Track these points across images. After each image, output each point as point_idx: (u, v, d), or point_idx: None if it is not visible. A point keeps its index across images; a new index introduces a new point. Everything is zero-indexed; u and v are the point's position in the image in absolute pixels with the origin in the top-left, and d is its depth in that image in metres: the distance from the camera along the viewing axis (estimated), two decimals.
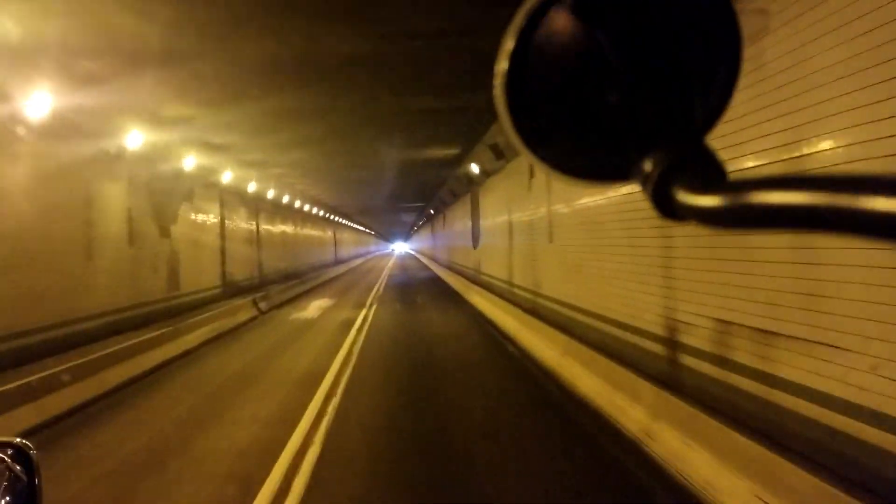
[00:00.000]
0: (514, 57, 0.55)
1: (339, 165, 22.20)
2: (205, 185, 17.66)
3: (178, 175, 15.35)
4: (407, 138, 16.53)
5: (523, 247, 14.24)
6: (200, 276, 17.10)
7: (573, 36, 0.55)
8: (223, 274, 19.08)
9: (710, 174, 0.48)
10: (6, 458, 1.41)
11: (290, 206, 30.41)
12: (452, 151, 18.40)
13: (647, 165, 0.51)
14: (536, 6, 0.54)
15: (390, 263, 55.88)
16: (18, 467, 1.40)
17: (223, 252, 19.09)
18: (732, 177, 0.45)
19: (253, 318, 17.66)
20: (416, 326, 15.56)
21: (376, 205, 42.86)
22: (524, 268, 14.16)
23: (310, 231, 40.54)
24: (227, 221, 19.78)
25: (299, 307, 20.63)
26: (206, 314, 14.78)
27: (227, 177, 18.35)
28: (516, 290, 15.18)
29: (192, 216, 16.63)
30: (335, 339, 13.48)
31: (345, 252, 59.09)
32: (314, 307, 20.56)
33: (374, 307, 19.73)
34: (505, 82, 0.56)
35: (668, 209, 0.48)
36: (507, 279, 16.28)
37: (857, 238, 0.33)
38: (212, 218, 18.60)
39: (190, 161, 15.35)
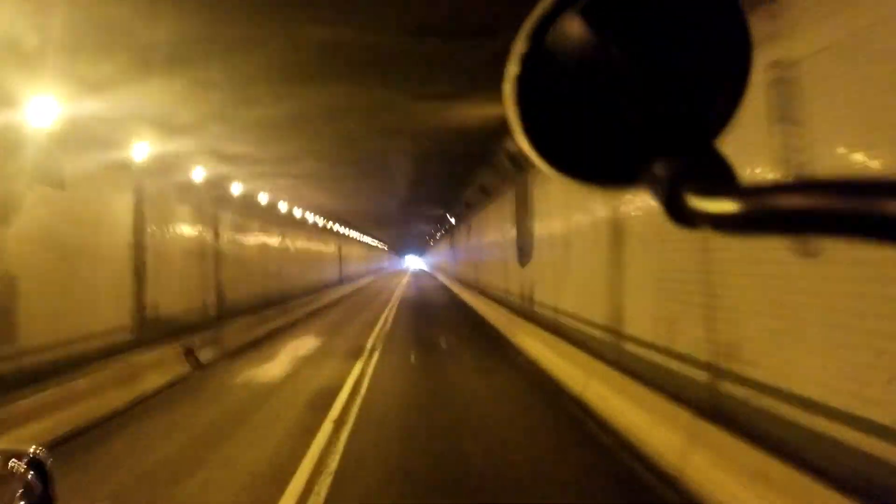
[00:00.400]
0: (526, 61, 0.55)
1: (344, 159, 15.82)
2: (100, 163, 10.87)
3: (13, 138, 8.55)
4: (427, 86, 9.67)
5: (664, 266, 7.18)
6: (79, 315, 10.23)
7: (584, 41, 0.54)
8: (139, 307, 12.19)
9: (722, 179, 0.48)
10: (21, 467, 1.43)
11: (273, 210, 23.66)
12: (492, 111, 11.39)
13: (658, 171, 0.50)
14: (547, 11, 0.54)
15: (403, 282, 48.93)
16: (33, 476, 1.41)
17: (138, 272, 12.22)
18: (744, 181, 0.44)
19: (176, 383, 10.76)
20: (445, 408, 8.59)
21: (388, 213, 36.22)
22: (672, 308, 7.03)
23: (305, 244, 33.77)
24: (150, 225, 12.93)
25: (264, 355, 13.73)
26: (51, 390, 7.91)
27: (143, 151, 11.54)
28: (632, 348, 8.12)
29: (60, 213, 9.78)
30: (290, 450, 6.62)
31: (352, 269, 52.25)
32: (286, 355, 13.66)
33: (375, 356, 12.83)
34: (516, 86, 0.56)
35: (680, 215, 0.48)
36: (607, 322, 9.22)
37: (873, 243, 0.33)
38: (116, 217, 11.75)
39: (47, 109, 8.56)
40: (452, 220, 36.43)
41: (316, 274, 34.79)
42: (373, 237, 61.94)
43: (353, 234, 49.58)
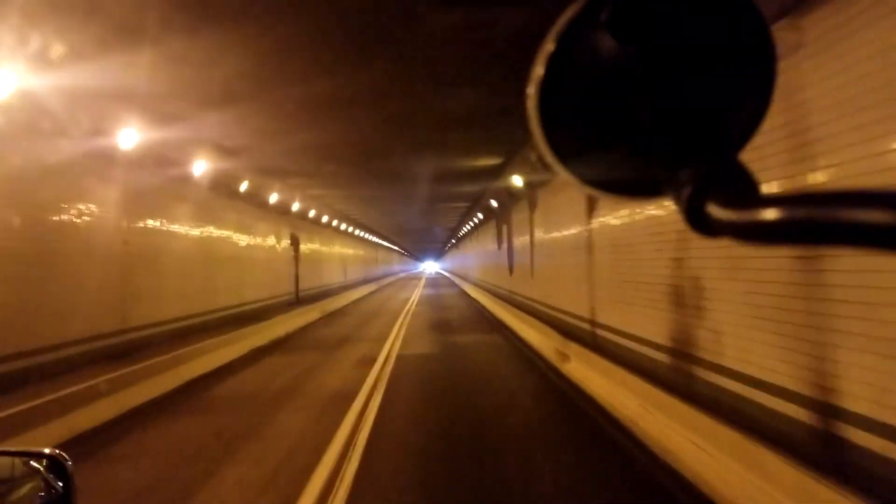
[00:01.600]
0: (551, 64, 0.55)
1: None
2: None
3: None
4: None
5: None
6: None
7: (607, 52, 0.54)
8: None
9: (744, 189, 0.48)
10: (41, 468, 1.43)
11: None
12: None
13: (681, 180, 0.50)
14: (570, 23, 0.54)
15: (414, 299, 29.37)
16: (53, 477, 1.41)
17: None
18: (766, 192, 0.44)
19: None
20: None
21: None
22: None
23: (218, 231, 14.87)
24: None
25: None
26: None
27: None
28: None
29: None
30: None
31: (332, 276, 32.92)
32: None
33: None
34: (538, 97, 0.56)
35: (702, 225, 0.48)
36: None
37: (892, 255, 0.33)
38: None
39: None
40: (494, 203, 16.93)
41: (245, 289, 15.88)
42: (369, 230, 43.08)
43: (336, 222, 30.32)
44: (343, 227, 33.30)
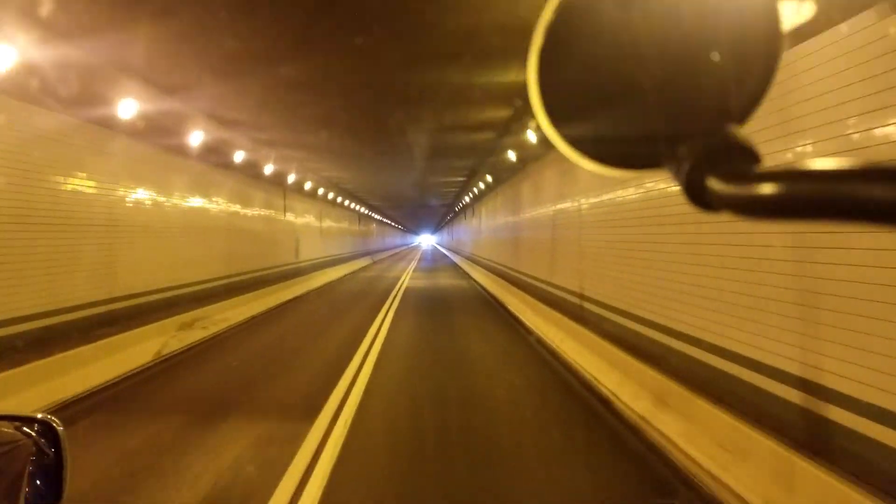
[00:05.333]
0: (549, 36, 0.53)
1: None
2: None
3: None
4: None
5: None
6: None
7: (609, 19, 0.53)
8: None
9: (746, 163, 0.46)
10: (33, 434, 1.38)
11: None
12: None
13: (680, 153, 0.49)
14: None
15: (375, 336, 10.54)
16: (45, 442, 1.37)
17: None
18: (768, 165, 0.43)
19: None
20: None
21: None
22: None
23: None
24: None
25: None
26: None
27: None
28: None
29: None
30: None
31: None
32: None
33: None
34: (538, 63, 0.54)
35: (701, 199, 0.47)
36: None
37: None
38: None
39: None
40: None
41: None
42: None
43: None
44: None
